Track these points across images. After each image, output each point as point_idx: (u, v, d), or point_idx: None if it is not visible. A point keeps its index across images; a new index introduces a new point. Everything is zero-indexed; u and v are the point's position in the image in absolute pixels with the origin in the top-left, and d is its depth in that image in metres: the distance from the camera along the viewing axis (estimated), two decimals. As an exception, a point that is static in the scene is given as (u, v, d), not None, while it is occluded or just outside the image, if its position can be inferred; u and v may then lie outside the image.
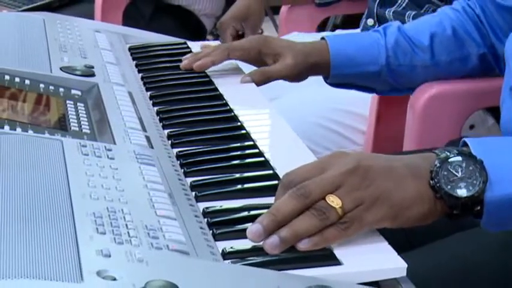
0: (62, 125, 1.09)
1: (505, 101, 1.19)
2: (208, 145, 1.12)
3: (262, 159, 1.08)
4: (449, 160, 0.89)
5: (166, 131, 1.17)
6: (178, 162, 1.06)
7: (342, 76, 1.50)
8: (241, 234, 0.88)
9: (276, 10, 2.90)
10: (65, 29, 1.56)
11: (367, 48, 1.50)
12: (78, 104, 1.19)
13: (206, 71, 1.44)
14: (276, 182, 1.01)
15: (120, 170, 0.96)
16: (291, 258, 0.84)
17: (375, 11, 2.01)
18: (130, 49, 1.56)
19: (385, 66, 1.50)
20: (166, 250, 0.81)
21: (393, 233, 0.91)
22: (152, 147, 1.08)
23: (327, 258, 0.84)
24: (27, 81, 1.22)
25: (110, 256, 0.76)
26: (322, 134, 1.90)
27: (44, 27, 1.53)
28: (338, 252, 0.85)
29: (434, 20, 1.55)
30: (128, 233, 0.81)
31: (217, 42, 1.73)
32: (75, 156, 0.97)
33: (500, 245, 1.06)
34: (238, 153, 1.11)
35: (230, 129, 1.19)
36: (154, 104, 1.28)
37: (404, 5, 1.96)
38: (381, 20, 2.00)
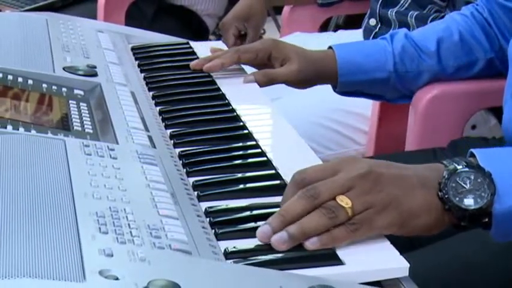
0: (64, 125, 1.09)
1: (507, 102, 1.19)
2: (210, 145, 1.12)
3: (265, 159, 1.08)
4: (458, 172, 0.90)
5: (168, 131, 1.17)
6: (181, 161, 1.07)
7: (350, 84, 1.50)
8: (244, 234, 0.88)
9: (278, 10, 2.90)
10: (67, 29, 1.56)
11: (374, 55, 1.50)
12: (80, 103, 1.19)
13: (208, 71, 1.44)
14: (278, 181, 1.01)
15: (123, 170, 0.96)
16: (293, 258, 0.84)
17: (378, 11, 2.01)
18: (132, 49, 1.57)
19: (393, 73, 1.50)
20: (168, 249, 0.81)
21: (395, 233, 0.92)
22: (155, 147, 1.08)
23: (329, 258, 0.85)
24: (30, 81, 1.22)
25: (112, 255, 0.76)
26: (324, 134, 1.90)
27: (46, 27, 1.53)
28: (340, 252, 0.86)
29: (441, 25, 1.55)
30: (130, 232, 0.82)
31: (219, 43, 1.73)
32: (78, 156, 0.97)
33: (501, 246, 1.06)
34: (241, 153, 1.11)
35: (232, 129, 1.19)
36: (156, 104, 1.29)
37: (406, 5, 1.95)
38: (383, 20, 2.00)
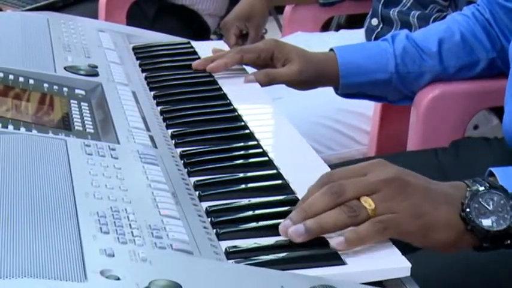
0: (65, 125, 1.09)
1: (508, 102, 1.19)
2: (211, 145, 1.12)
3: (266, 158, 1.08)
4: (480, 193, 0.90)
5: (169, 131, 1.17)
6: (182, 161, 1.06)
7: (352, 85, 1.50)
8: (245, 234, 0.88)
9: (279, 10, 2.90)
10: (68, 28, 1.56)
11: (376, 57, 1.50)
12: (82, 103, 1.19)
13: (210, 70, 1.44)
14: (279, 181, 1.01)
15: (124, 170, 0.96)
16: (294, 258, 0.84)
17: (380, 11, 2.01)
18: (134, 49, 1.56)
19: (394, 74, 1.50)
20: (169, 249, 0.81)
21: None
22: (156, 147, 1.08)
23: (331, 257, 0.84)
24: (31, 81, 1.22)
25: (113, 255, 0.76)
26: (325, 134, 1.90)
27: (48, 26, 1.53)
28: (342, 252, 0.85)
29: (442, 26, 1.55)
30: (132, 232, 0.81)
31: (220, 42, 1.73)
32: (79, 156, 0.97)
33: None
34: (242, 152, 1.11)
35: (234, 128, 1.19)
36: (158, 104, 1.28)
37: (409, 4, 1.95)
38: (385, 20, 2.00)
